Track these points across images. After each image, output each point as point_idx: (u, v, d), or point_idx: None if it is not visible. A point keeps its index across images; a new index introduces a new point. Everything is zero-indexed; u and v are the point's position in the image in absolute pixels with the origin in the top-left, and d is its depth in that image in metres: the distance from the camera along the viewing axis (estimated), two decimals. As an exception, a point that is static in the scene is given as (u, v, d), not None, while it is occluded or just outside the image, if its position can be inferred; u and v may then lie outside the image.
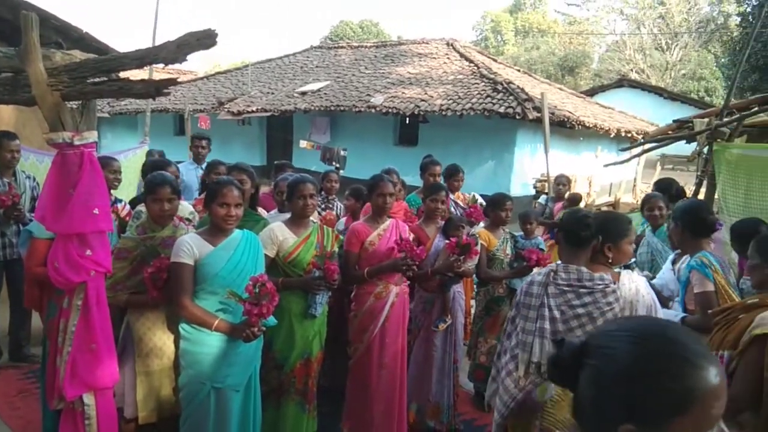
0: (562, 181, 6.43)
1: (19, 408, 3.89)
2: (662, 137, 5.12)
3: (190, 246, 2.73)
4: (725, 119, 4.68)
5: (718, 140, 4.65)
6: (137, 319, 2.99)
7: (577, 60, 36.54)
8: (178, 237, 3.00)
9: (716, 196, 4.66)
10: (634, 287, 2.52)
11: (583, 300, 2.41)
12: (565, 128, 12.90)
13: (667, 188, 4.61)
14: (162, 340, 3.00)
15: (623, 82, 25.67)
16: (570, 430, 2.40)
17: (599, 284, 2.42)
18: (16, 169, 4.48)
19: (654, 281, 3.39)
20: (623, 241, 2.52)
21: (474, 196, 5.28)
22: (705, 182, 4.91)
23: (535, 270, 2.63)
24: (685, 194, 4.81)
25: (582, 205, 6.26)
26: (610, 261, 2.53)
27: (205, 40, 1.81)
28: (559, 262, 2.58)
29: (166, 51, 1.87)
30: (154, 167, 4.04)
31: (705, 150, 4.82)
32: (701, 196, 5.00)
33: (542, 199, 6.80)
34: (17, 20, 5.97)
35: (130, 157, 7.60)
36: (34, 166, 5.85)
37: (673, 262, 3.41)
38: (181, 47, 1.84)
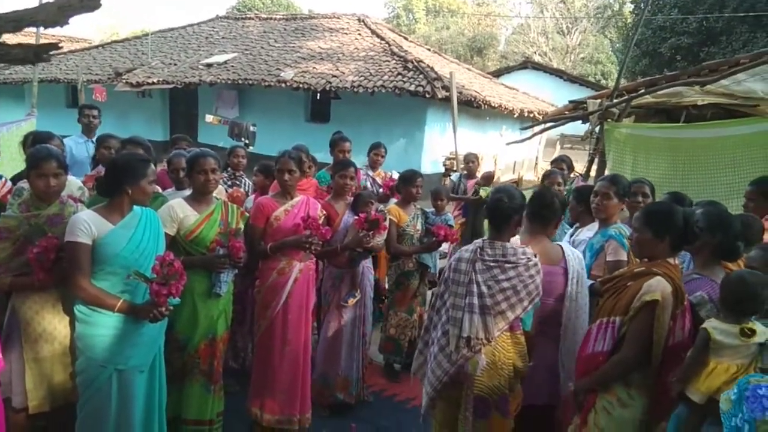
0: (471, 159, 6.64)
1: None
2: (559, 117, 5.41)
3: (87, 224, 2.56)
4: (615, 100, 5.00)
5: (609, 120, 4.97)
6: (23, 303, 2.79)
7: (485, 41, 37.53)
8: (66, 214, 2.81)
9: (606, 172, 5.00)
10: (578, 257, 2.72)
11: (508, 274, 2.51)
12: (473, 108, 13.27)
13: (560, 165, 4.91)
14: (52, 324, 2.82)
15: (527, 64, 26.69)
16: (499, 394, 2.53)
17: (522, 258, 2.54)
18: None
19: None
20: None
21: (393, 174, 5.33)
22: (596, 159, 5.25)
23: (463, 247, 2.71)
24: (573, 169, 5.13)
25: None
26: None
27: (88, 2, 1.67)
28: (485, 238, 2.66)
29: (46, 13, 1.71)
30: (36, 140, 3.71)
31: (597, 129, 5.14)
32: (592, 172, 5.34)
33: (454, 176, 6.98)
34: None
35: (13, 130, 7.00)
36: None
37: (571, 235, 3.63)
38: (62, 9, 1.68)
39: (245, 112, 14.57)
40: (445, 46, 35.02)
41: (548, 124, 5.95)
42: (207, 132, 14.84)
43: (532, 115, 16.11)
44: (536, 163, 17.90)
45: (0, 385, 2.65)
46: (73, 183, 3.36)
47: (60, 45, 2.10)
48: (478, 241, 2.65)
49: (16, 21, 1.86)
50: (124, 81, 14.78)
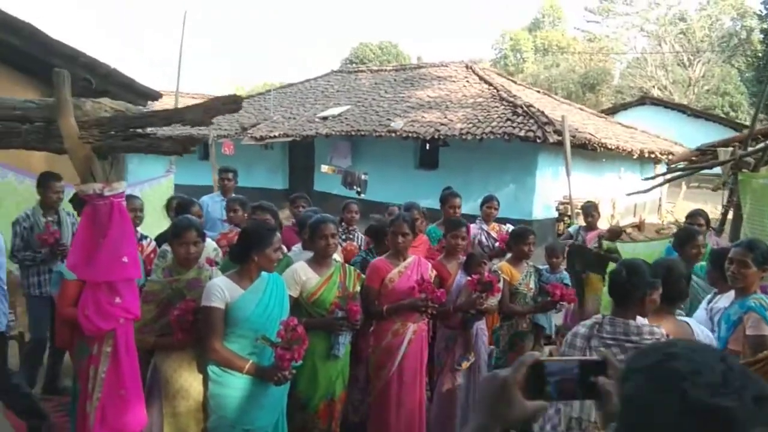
0: (591, 211, 6.30)
1: (48, 443, 3.95)
2: (686, 167, 5.07)
3: (221, 290, 2.78)
4: (750, 149, 4.61)
5: (743, 170, 4.58)
6: (164, 361, 3.04)
7: (597, 77, 36.38)
8: (203, 278, 3.06)
9: (742, 229, 4.57)
10: (707, 336, 2.52)
11: (628, 355, 2.33)
12: (587, 150, 12.82)
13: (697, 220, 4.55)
14: (188, 382, 3.04)
15: (645, 100, 25.47)
16: None
17: (647, 338, 2.35)
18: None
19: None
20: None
21: (508, 228, 5.26)
22: (731, 212, 4.83)
23: (581, 322, 2.58)
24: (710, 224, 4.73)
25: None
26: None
27: (230, 105, 1.88)
28: (605, 314, 2.52)
29: (193, 113, 1.94)
30: (179, 206, 4.13)
31: (730, 179, 4.74)
32: (727, 226, 4.91)
33: (572, 229, 6.70)
34: (48, 58, 6.17)
35: (155, 187, 7.74)
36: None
37: (708, 301, 3.34)
38: (207, 111, 1.90)
39: (358, 161, 15.12)
40: (555, 84, 34.35)
41: (674, 174, 5.59)
42: (322, 181, 15.56)
43: (653, 156, 15.24)
44: (659, 206, 16.79)
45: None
46: (209, 245, 3.67)
47: (204, 138, 2.35)
48: (597, 316, 2.52)
49: (166, 119, 2.12)
50: (249, 135, 15.97)
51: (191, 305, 2.90)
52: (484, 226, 5.24)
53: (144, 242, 4.06)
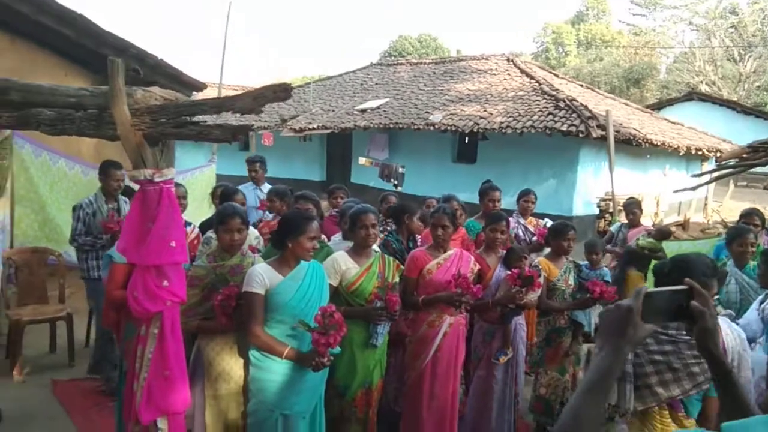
0: (634, 208, 6.13)
1: (94, 421, 4.11)
2: (736, 164, 4.89)
3: (261, 276, 2.84)
4: (806, 145, 4.42)
5: (799, 168, 4.39)
6: (207, 344, 3.12)
7: (642, 71, 35.32)
8: (246, 265, 3.12)
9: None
10: (739, 335, 2.44)
11: (662, 347, 2.32)
12: (631, 146, 12.51)
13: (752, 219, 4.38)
14: (230, 365, 3.11)
15: (693, 95, 24.63)
16: None
17: (685, 335, 2.30)
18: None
19: (739, 320, 3.23)
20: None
21: (546, 223, 5.19)
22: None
23: None
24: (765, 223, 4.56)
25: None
26: None
27: (280, 93, 1.90)
28: None
29: (243, 102, 1.98)
30: (224, 194, 4.22)
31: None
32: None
33: (614, 227, 6.56)
34: (99, 48, 6.36)
35: (197, 176, 7.96)
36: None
37: (761, 302, 3.23)
38: (257, 99, 1.94)
39: (395, 154, 15.13)
40: (598, 79, 33.51)
41: (724, 171, 5.40)
42: (359, 173, 15.64)
43: (700, 153, 14.76)
44: (705, 204, 16.27)
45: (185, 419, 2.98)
46: (252, 233, 3.74)
47: (252, 126, 2.39)
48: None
49: (216, 107, 2.17)
50: (288, 127, 16.15)
51: (234, 290, 2.96)
52: (521, 220, 5.18)
53: (188, 229, 4.16)
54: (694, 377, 2.28)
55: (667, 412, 2.36)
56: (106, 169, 4.71)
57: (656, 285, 2.49)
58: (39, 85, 2.90)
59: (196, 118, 2.43)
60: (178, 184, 4.41)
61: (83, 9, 5.79)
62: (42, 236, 5.62)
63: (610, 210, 9.78)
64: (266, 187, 5.83)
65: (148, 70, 6.68)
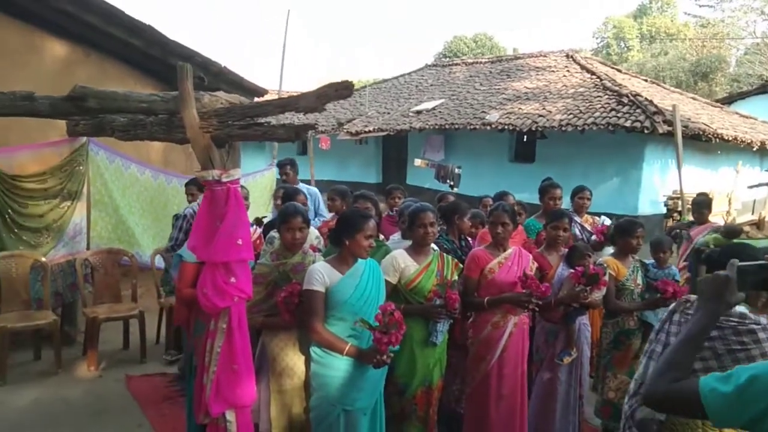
0: (704, 207, 5.79)
1: (165, 414, 4.28)
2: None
3: (321, 274, 2.88)
4: None
5: None
6: (271, 340, 3.20)
7: (711, 65, 33.64)
8: (307, 263, 3.18)
9: None
10: None
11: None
12: (700, 141, 11.95)
13: None
14: (293, 361, 3.18)
15: (766, 88, 23.22)
16: None
17: (732, 321, 2.23)
18: None
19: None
20: None
21: (603, 221, 5.03)
22: None
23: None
24: None
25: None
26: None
27: (342, 91, 1.94)
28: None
29: (306, 100, 2.02)
30: (286, 195, 4.32)
31: None
32: None
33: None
34: (166, 58, 6.65)
35: (258, 179, 8.18)
36: (175, 189, 6.50)
37: None
38: (320, 97, 1.98)
39: (451, 155, 15.04)
40: (663, 73, 32.16)
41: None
42: (415, 175, 15.64)
43: (776, 147, 13.93)
44: (783, 202, 15.31)
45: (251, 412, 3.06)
46: (312, 233, 3.81)
47: (315, 125, 2.44)
48: (691, 296, 2.44)
49: (281, 107, 2.22)
50: (345, 131, 16.36)
51: (297, 288, 3.01)
52: (577, 218, 5.01)
53: (251, 229, 4.28)
54: (738, 363, 2.20)
55: None
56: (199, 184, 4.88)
57: (708, 273, 2.47)
58: (114, 91, 3.06)
59: (260, 120, 2.50)
60: (241, 186, 4.55)
61: (148, 21, 6.09)
62: (115, 238, 5.91)
63: (679, 209, 9.37)
64: (303, 187, 5.88)
65: (212, 77, 6.94)
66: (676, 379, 1.39)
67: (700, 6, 36.96)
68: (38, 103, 3.37)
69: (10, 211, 5.04)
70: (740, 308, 2.34)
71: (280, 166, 6.22)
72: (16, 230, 5.11)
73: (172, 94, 2.94)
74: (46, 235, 5.33)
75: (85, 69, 6.10)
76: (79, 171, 5.48)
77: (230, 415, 2.70)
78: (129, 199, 6.12)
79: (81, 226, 5.59)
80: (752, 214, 13.88)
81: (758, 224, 12.70)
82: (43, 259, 5.18)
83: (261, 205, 7.50)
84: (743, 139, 12.94)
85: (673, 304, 2.49)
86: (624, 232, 4.01)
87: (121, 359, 5.36)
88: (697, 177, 11.79)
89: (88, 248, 5.62)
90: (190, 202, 5.24)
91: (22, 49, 5.57)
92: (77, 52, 6.10)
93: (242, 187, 4.61)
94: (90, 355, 5.11)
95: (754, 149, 13.70)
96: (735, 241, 4.72)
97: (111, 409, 4.36)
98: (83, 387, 4.72)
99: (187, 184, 5.45)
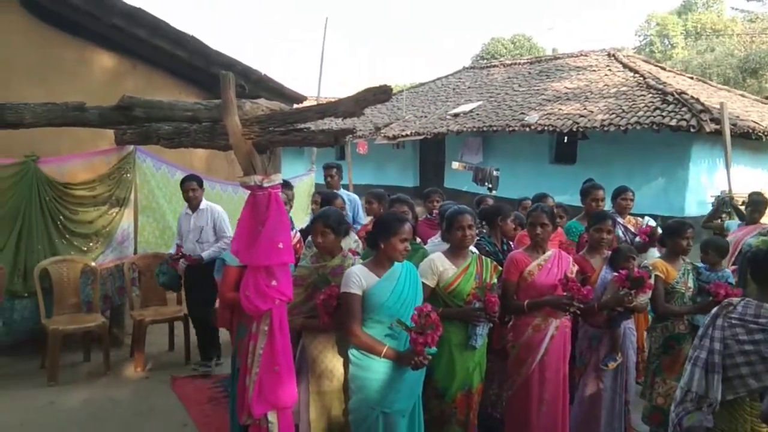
0: (760, 205, 5.49)
1: (209, 415, 4.38)
2: None
3: (358, 277, 2.90)
4: None
5: None
6: (311, 342, 3.23)
7: (761, 60, 32.30)
8: (346, 266, 3.21)
9: None
10: None
11: (753, 336, 2.26)
12: (750, 140, 11.51)
13: None
14: (333, 363, 3.20)
15: (822, 82, 22.20)
16: None
17: None
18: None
19: None
20: None
21: (647, 221, 4.90)
22: None
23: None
24: None
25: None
26: None
27: (380, 95, 1.95)
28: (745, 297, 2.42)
29: (345, 105, 2.05)
30: (324, 199, 4.38)
31: None
32: None
33: (728, 223, 6.04)
34: (209, 67, 6.81)
35: (297, 184, 8.29)
36: (218, 195, 6.65)
37: None
38: (358, 102, 2.00)
39: (489, 157, 14.91)
40: (709, 71, 31.10)
41: None
42: (452, 178, 15.56)
43: (833, 144, 13.28)
44: (841, 202, 14.57)
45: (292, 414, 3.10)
46: (351, 237, 3.84)
47: (354, 130, 2.47)
48: (734, 299, 2.41)
49: (320, 112, 2.26)
50: (382, 135, 16.43)
51: (335, 290, 3.04)
52: (620, 220, 4.88)
53: (291, 232, 4.34)
54: None
55: (758, 403, 2.30)
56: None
57: (752, 273, 2.50)
58: (159, 101, 3.16)
59: (300, 126, 2.54)
60: (289, 185, 4.59)
61: (191, 31, 6.27)
62: (162, 243, 6.08)
63: (728, 209, 9.05)
64: (343, 192, 5.94)
65: (252, 85, 7.07)
66: None
67: (748, 0, 35.55)
68: (88, 113, 3.51)
69: (61, 217, 5.26)
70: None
71: (326, 168, 6.31)
72: (67, 236, 5.33)
73: (215, 103, 3.02)
74: (96, 241, 5.54)
75: (132, 80, 6.31)
76: (127, 178, 5.68)
77: (272, 416, 2.74)
78: (175, 206, 6.28)
79: (129, 231, 5.79)
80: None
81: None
82: (93, 263, 5.38)
83: (300, 210, 7.60)
84: (796, 137, 12.39)
85: (715, 309, 2.42)
86: (673, 233, 3.90)
87: (166, 361, 5.52)
88: (746, 177, 11.34)
89: (135, 253, 5.81)
90: (190, 199, 5.28)
91: (73, 63, 5.81)
92: (125, 64, 6.32)
93: (291, 186, 4.68)
94: (137, 357, 5.27)
95: (810, 147, 13.10)
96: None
97: (157, 409, 4.49)
98: (131, 388, 4.87)
99: (185, 181, 5.33)
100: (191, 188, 5.24)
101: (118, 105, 3.31)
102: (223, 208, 5.64)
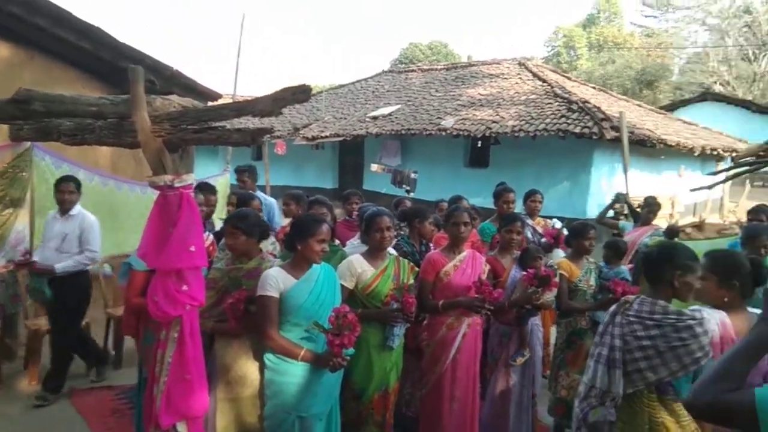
0: (654, 207, 5.94)
1: (112, 428, 4.14)
2: (753, 162, 4.83)
3: (275, 279, 2.86)
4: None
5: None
6: (224, 349, 3.14)
7: (655, 73, 35.08)
8: (264, 268, 3.14)
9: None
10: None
11: (649, 332, 2.40)
12: (645, 147, 12.42)
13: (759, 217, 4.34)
14: (247, 369, 3.11)
15: (707, 96, 24.38)
16: None
17: (671, 318, 2.39)
18: None
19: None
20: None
21: (555, 223, 5.17)
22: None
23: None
24: None
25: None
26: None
27: (299, 95, 1.93)
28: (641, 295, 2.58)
29: (263, 104, 2.00)
30: (240, 200, 4.26)
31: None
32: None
33: (626, 225, 6.48)
34: (116, 61, 6.44)
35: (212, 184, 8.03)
36: (126, 195, 6.31)
37: None
38: (276, 101, 1.96)
39: (407, 160, 15.15)
40: (610, 81, 33.35)
41: (740, 169, 5.34)
42: (371, 180, 15.67)
43: (715, 153, 14.63)
44: (721, 205, 16.09)
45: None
46: (268, 240, 3.76)
47: (272, 130, 2.42)
48: (630, 297, 2.57)
49: (237, 110, 2.20)
50: (301, 136, 16.24)
51: (243, 294, 2.96)
52: (529, 221, 5.13)
53: (204, 235, 4.18)
54: (680, 359, 2.35)
55: (654, 395, 2.45)
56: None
57: (645, 272, 2.65)
58: (61, 95, 2.95)
59: (215, 124, 2.46)
60: (212, 190, 4.41)
61: (97, 23, 5.91)
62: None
63: (625, 212, 9.71)
64: (259, 195, 5.80)
65: (164, 81, 6.77)
66: (728, 390, 1.36)
67: (646, 16, 38.37)
68: (-22, 106, 3.22)
69: (-54, 219, 4.79)
70: (661, 302, 2.47)
71: (238, 172, 6.10)
72: (-47, 239, 4.86)
73: (122, 98, 2.85)
74: (-14, 244, 5.08)
75: (29, 71, 5.85)
76: (23, 177, 5.24)
77: (182, 427, 2.63)
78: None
79: (24, 234, 5.35)
80: (694, 216, 14.51)
81: (699, 226, 13.28)
82: (-18, 269, 4.94)
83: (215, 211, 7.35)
84: (685, 145, 13.52)
85: (613, 307, 2.58)
86: (577, 234, 4.14)
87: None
88: (642, 181, 12.25)
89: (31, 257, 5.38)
90: (63, 201, 4.82)
91: (-42, 51, 5.32)
92: (20, 55, 5.86)
93: (210, 195, 4.49)
94: (32, 370, 4.89)
95: (696, 154, 14.33)
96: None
97: (55, 425, 4.19)
98: (24, 403, 4.51)
99: (62, 181, 4.85)
100: (68, 190, 4.74)
101: (14, 98, 3.06)
102: (132, 209, 5.31)
